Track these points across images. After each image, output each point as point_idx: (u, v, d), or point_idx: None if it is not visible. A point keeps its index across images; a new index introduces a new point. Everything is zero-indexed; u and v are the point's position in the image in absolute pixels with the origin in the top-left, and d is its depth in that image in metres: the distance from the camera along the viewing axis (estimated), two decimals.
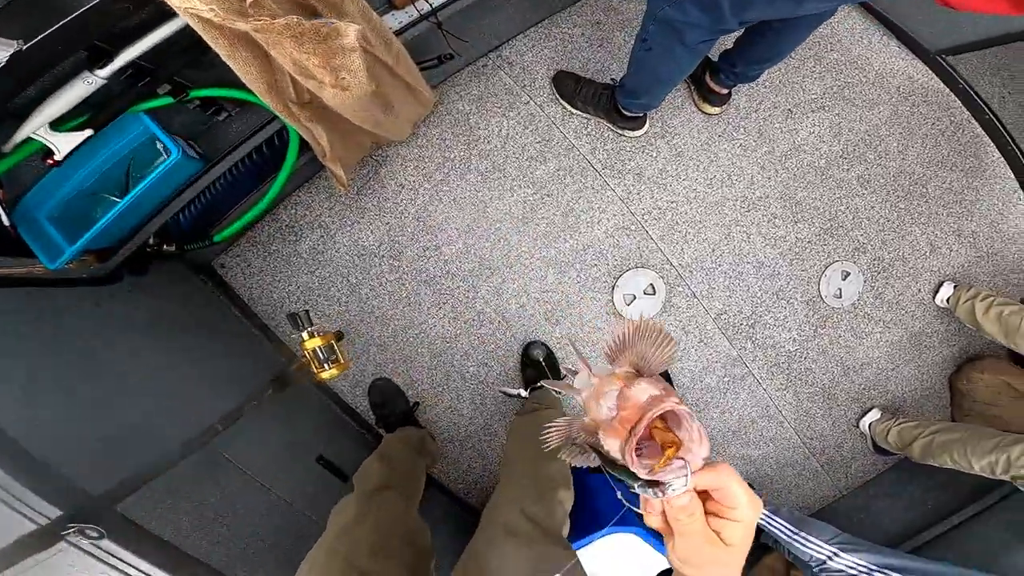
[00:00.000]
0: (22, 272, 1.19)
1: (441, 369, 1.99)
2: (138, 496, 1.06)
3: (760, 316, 2.10)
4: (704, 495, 0.46)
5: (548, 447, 0.55)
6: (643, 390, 0.47)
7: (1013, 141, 2.07)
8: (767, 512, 1.90)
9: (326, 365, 1.61)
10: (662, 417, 0.46)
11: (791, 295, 2.11)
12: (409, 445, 1.75)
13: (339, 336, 1.85)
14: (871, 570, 1.58)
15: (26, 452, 0.89)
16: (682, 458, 0.43)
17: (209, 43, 0.90)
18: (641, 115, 1.87)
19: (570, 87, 1.87)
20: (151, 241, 1.47)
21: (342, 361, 1.63)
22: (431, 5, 1.28)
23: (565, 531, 1.32)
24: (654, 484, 0.44)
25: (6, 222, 1.14)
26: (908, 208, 2.12)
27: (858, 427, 2.25)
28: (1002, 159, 2.14)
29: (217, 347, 1.63)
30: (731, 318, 2.09)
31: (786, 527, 1.82)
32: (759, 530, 2.02)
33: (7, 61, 0.75)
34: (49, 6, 0.73)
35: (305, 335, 1.60)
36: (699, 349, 2.09)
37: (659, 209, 1.97)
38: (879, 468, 2.35)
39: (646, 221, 1.97)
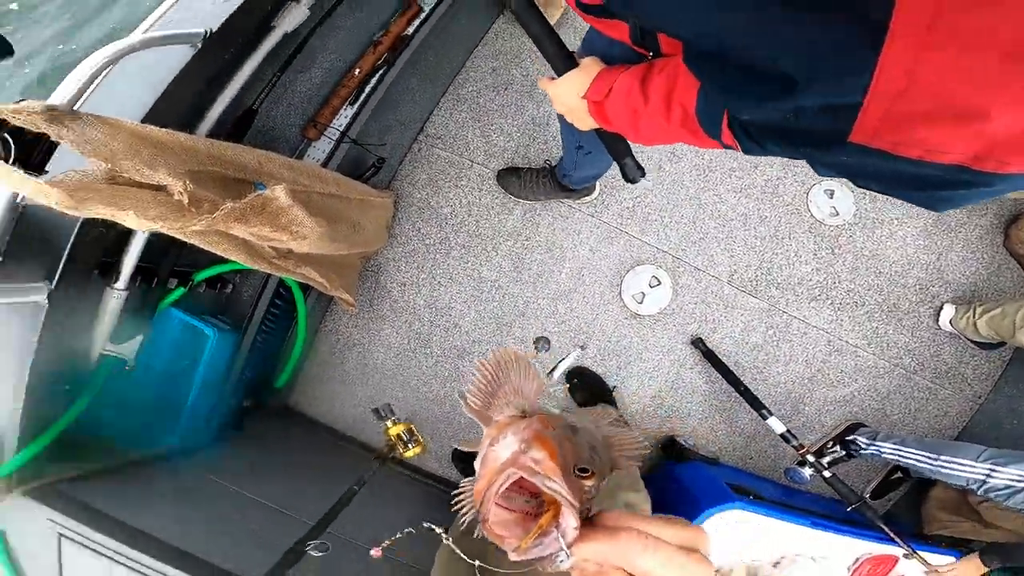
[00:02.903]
0: (157, 453, 1.44)
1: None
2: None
3: (771, 261, 2.00)
4: None
5: (462, 523, 0.42)
6: (507, 445, 0.37)
7: None
8: (894, 445, 1.69)
9: (409, 445, 1.74)
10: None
11: (789, 231, 2.00)
12: None
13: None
14: None
15: (203, 560, 1.12)
16: (558, 524, 0.32)
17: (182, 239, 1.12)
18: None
19: (515, 184, 1.93)
20: (234, 403, 1.70)
21: (421, 441, 1.75)
22: (339, 130, 1.50)
23: None
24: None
25: (123, 421, 1.40)
26: None
27: (941, 330, 1.99)
28: None
29: (308, 466, 1.78)
30: (743, 274, 2.00)
31: (924, 456, 1.59)
32: (904, 468, 1.80)
33: (47, 300, 0.99)
34: (48, 246, 0.97)
35: (389, 423, 1.74)
36: (729, 315, 2.00)
37: (628, 209, 2.00)
38: (1000, 365, 2.03)
39: (621, 224, 1.99)
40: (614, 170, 1.96)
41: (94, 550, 1.16)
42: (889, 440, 1.71)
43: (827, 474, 1.60)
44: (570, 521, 0.32)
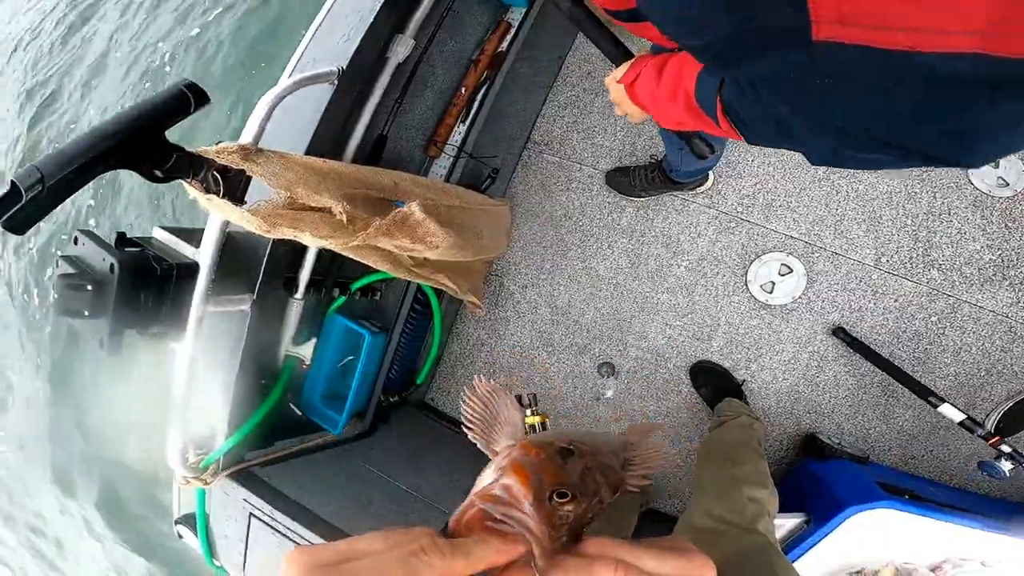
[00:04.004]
0: (322, 441, 1.63)
1: (624, 419, 1.99)
2: None
3: (928, 241, 1.74)
4: None
5: None
6: (488, 475, 0.36)
7: None
8: None
9: None
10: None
11: (948, 207, 1.72)
12: None
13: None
14: None
15: (346, 533, 1.20)
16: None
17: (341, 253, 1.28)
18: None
19: (624, 183, 1.90)
20: (382, 398, 1.89)
21: None
22: (455, 146, 1.61)
23: (765, 525, 1.18)
24: None
25: (299, 413, 1.63)
26: None
27: None
28: None
29: (444, 457, 1.91)
30: (894, 256, 1.76)
31: None
32: None
33: (250, 308, 1.21)
34: (244, 267, 1.17)
35: (528, 412, 1.82)
36: (878, 301, 1.77)
37: (748, 196, 1.87)
38: None
39: (741, 212, 1.87)
40: (728, 159, 1.87)
41: (274, 528, 1.29)
42: None
43: None
44: (535, 552, 0.31)
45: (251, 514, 1.32)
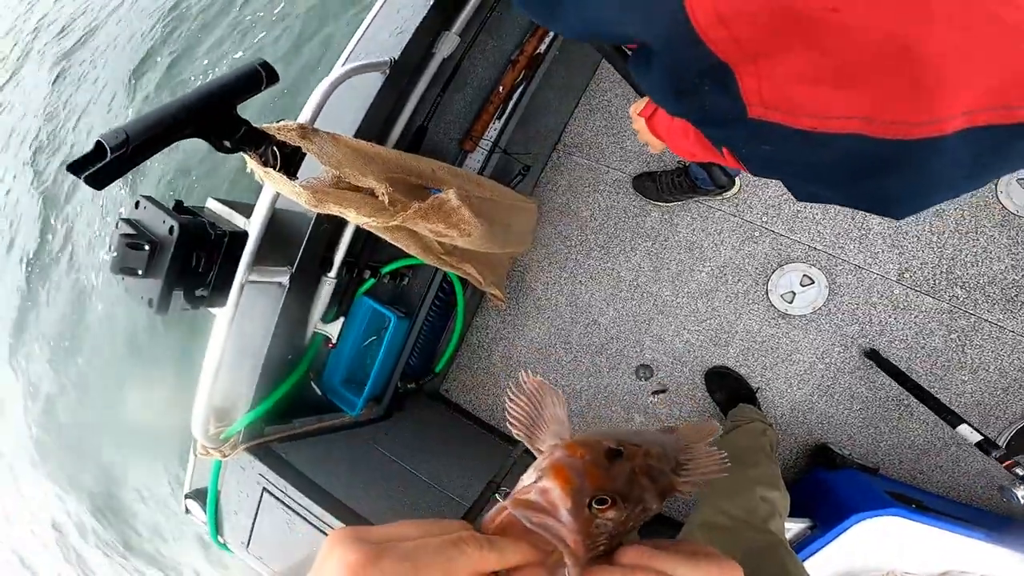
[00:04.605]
0: (339, 422, 1.66)
1: (636, 420, 2.02)
2: None
3: (953, 258, 1.75)
4: None
5: None
6: (526, 477, 0.35)
7: None
8: None
9: None
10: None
11: (975, 225, 1.73)
12: None
13: None
14: None
15: (357, 514, 1.26)
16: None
17: (377, 234, 1.34)
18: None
19: (651, 189, 1.93)
20: (399, 384, 1.93)
21: None
22: (491, 141, 1.66)
23: (776, 525, 1.20)
24: None
25: (319, 392, 1.68)
26: None
27: None
28: None
29: (455, 448, 1.94)
30: (917, 273, 1.77)
31: None
32: None
33: (288, 281, 1.27)
34: (287, 241, 1.23)
35: None
36: (899, 316, 1.78)
37: (773, 207, 1.89)
38: None
39: (766, 222, 1.90)
40: None
41: (287, 504, 1.31)
42: None
43: None
44: (568, 563, 0.30)
45: (264, 489, 1.33)
